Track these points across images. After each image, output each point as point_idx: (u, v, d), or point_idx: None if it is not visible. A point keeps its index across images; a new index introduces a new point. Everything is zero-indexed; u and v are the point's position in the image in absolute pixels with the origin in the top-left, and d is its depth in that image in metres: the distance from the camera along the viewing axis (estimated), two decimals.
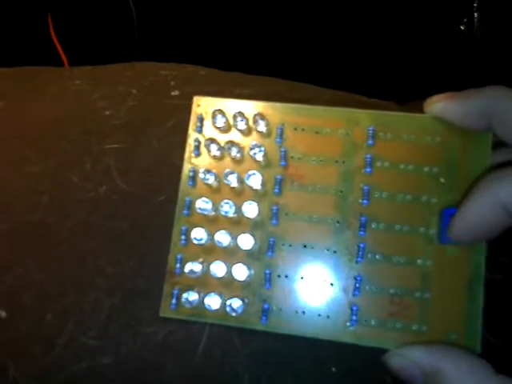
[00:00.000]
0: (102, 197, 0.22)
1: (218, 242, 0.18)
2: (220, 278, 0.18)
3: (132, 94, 0.24)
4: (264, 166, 0.19)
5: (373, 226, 0.18)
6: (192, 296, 0.18)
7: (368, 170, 0.18)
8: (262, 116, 0.19)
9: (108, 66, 0.26)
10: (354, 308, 0.17)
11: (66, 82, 0.25)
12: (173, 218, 0.19)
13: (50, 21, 0.41)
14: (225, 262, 0.18)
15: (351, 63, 0.42)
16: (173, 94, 0.24)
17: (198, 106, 0.20)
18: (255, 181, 0.18)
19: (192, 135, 0.20)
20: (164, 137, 0.23)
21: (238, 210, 0.18)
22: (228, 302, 0.18)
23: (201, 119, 0.20)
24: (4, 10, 0.43)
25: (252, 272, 0.18)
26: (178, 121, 0.23)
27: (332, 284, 0.18)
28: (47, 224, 0.22)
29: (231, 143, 0.19)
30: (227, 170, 0.18)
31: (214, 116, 0.19)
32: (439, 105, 0.17)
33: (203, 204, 0.18)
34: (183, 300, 0.18)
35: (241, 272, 0.18)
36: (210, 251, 0.19)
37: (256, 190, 0.19)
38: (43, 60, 0.30)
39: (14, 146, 0.24)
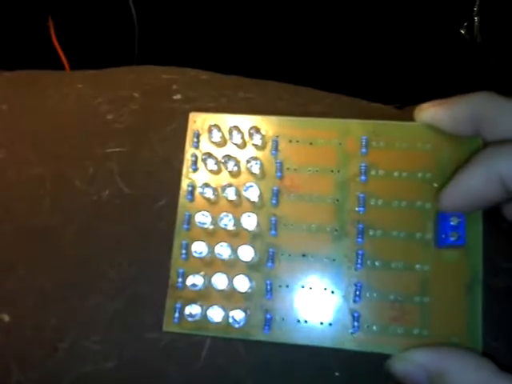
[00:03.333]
0: (104, 201, 0.22)
1: (219, 254, 0.18)
2: (221, 290, 0.18)
3: (134, 97, 0.24)
4: (260, 179, 0.19)
5: (370, 232, 0.18)
6: (194, 309, 0.18)
7: (363, 178, 0.19)
8: (256, 129, 0.19)
9: (110, 70, 0.26)
10: (356, 315, 0.17)
11: (68, 85, 0.25)
12: (174, 222, 0.19)
13: (51, 24, 0.41)
14: (226, 275, 0.18)
15: (352, 67, 0.42)
16: (175, 98, 0.24)
17: (194, 122, 0.20)
18: (253, 193, 0.19)
19: (189, 151, 0.20)
20: (166, 141, 0.23)
21: (237, 223, 0.19)
22: (230, 314, 0.18)
23: (197, 135, 0.20)
24: (4, 13, 0.43)
25: (253, 283, 0.18)
26: (180, 125, 0.23)
27: (333, 292, 0.18)
28: (50, 228, 0.22)
29: (228, 157, 0.19)
30: (225, 184, 0.19)
31: (209, 131, 0.20)
32: (428, 112, 0.18)
33: (203, 218, 0.19)
34: (186, 314, 0.18)
35: (242, 284, 0.18)
36: (211, 264, 0.19)
37: (254, 202, 0.19)
38: (44, 63, 0.30)
39: (17, 149, 0.24)
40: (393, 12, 0.42)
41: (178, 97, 0.24)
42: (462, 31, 0.40)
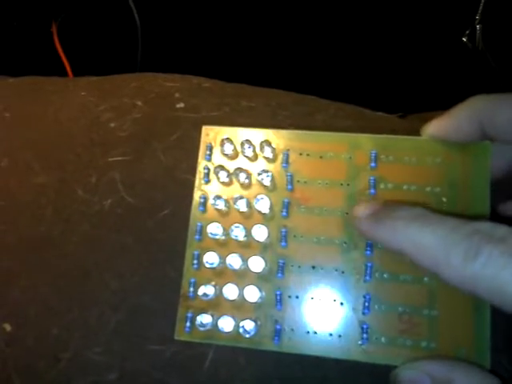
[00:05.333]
0: (107, 210, 0.22)
1: (230, 265, 0.19)
2: (232, 300, 0.18)
3: (137, 106, 0.24)
4: (271, 191, 0.20)
5: (379, 245, 0.18)
6: (205, 319, 0.18)
7: (372, 191, 0.19)
8: (268, 143, 0.20)
9: (113, 77, 0.26)
10: (365, 326, 0.18)
11: (72, 93, 0.25)
12: (178, 232, 0.19)
13: (55, 29, 0.42)
14: (237, 285, 0.18)
15: (355, 75, 0.43)
16: (178, 106, 0.24)
17: (207, 135, 0.21)
18: (263, 205, 0.19)
19: (202, 163, 0.20)
20: (169, 150, 0.23)
21: (248, 234, 0.19)
22: (241, 324, 0.18)
23: (210, 147, 0.20)
24: (8, 19, 0.43)
25: (263, 294, 0.19)
26: (183, 134, 0.23)
27: (342, 303, 0.18)
28: (52, 237, 0.22)
29: (239, 169, 0.20)
30: (236, 196, 0.19)
31: (222, 144, 0.20)
32: (432, 126, 0.18)
33: (214, 229, 0.19)
34: (197, 323, 0.18)
35: (252, 294, 0.18)
36: (222, 274, 0.19)
37: (264, 213, 0.19)
38: (47, 68, 0.30)
39: (19, 157, 0.24)
40: (395, 21, 0.43)
41: (180, 105, 0.24)
42: (464, 39, 0.40)
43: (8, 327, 0.21)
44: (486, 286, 0.14)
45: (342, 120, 0.22)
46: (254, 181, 0.20)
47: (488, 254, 0.13)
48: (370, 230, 0.17)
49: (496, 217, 0.19)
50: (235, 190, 0.20)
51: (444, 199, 0.18)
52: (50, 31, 0.42)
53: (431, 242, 0.15)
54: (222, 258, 0.19)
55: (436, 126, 0.19)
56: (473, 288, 0.14)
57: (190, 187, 0.20)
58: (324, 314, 0.18)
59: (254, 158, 0.20)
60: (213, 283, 0.19)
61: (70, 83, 0.27)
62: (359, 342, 0.18)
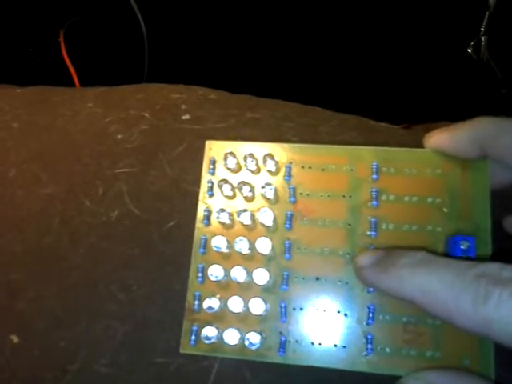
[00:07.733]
0: (114, 221, 0.22)
1: (234, 277, 0.19)
2: (237, 313, 0.19)
3: (144, 117, 0.24)
4: (274, 203, 0.20)
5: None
6: (211, 332, 0.18)
7: (374, 203, 0.19)
8: (270, 156, 0.20)
9: (120, 88, 0.27)
10: (369, 337, 0.18)
11: (79, 103, 0.26)
12: (185, 244, 0.19)
13: (62, 39, 0.43)
14: (241, 297, 0.19)
15: (360, 86, 0.43)
16: (184, 118, 0.24)
17: (210, 149, 0.21)
18: (267, 217, 0.19)
19: (205, 177, 0.21)
20: (175, 161, 0.23)
21: (252, 247, 0.19)
22: (246, 336, 0.18)
23: (213, 162, 0.21)
24: (16, 29, 0.44)
25: (268, 306, 0.19)
26: (189, 146, 0.23)
27: (346, 314, 0.18)
28: (59, 248, 0.22)
29: (243, 183, 0.20)
30: (240, 209, 0.19)
31: (225, 158, 0.20)
32: (434, 139, 0.19)
33: (219, 242, 0.19)
34: (202, 336, 0.18)
35: (257, 306, 0.18)
36: (227, 287, 0.19)
37: (268, 226, 0.20)
38: (54, 78, 0.30)
39: (27, 167, 0.24)
40: (401, 32, 0.43)
41: (186, 117, 0.24)
42: (469, 50, 0.41)
43: (15, 339, 0.21)
44: (499, 329, 0.13)
45: (347, 131, 0.22)
46: (257, 194, 0.20)
47: (497, 297, 0.13)
48: (375, 280, 0.17)
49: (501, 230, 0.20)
50: (239, 204, 0.20)
51: (445, 209, 0.19)
52: (57, 41, 0.43)
53: (439, 289, 0.14)
54: (227, 271, 0.19)
55: (437, 140, 0.19)
56: (486, 332, 0.14)
57: (195, 199, 0.20)
58: (328, 325, 0.18)
59: (257, 171, 0.20)
60: (218, 296, 0.19)
61: (77, 93, 0.27)
62: (364, 353, 0.18)
